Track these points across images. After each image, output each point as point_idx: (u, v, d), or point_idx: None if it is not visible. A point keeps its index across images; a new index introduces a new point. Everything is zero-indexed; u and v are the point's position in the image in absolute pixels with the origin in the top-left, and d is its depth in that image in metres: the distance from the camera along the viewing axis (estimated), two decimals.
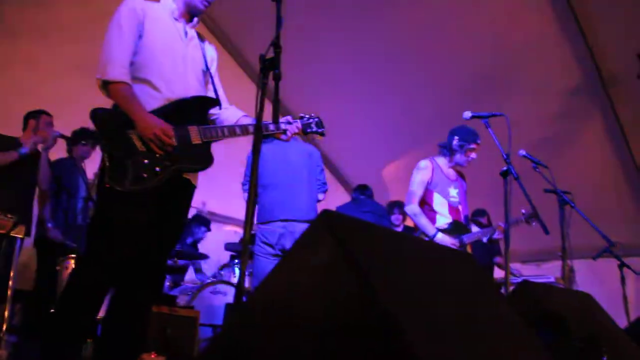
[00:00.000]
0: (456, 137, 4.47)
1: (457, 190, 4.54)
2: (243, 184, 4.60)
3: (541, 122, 6.09)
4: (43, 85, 5.82)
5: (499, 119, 3.73)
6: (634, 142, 5.90)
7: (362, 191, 6.52)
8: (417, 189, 4.45)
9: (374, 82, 6.98)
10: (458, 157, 4.48)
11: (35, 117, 4.92)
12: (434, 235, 4.26)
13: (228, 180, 6.10)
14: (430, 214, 4.44)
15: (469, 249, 4.47)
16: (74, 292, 2.43)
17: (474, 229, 4.66)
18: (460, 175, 4.70)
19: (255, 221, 4.45)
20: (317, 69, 7.02)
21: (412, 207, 4.41)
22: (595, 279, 6.03)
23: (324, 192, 4.71)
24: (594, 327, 2.61)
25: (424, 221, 4.35)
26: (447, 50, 6.09)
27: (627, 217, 6.41)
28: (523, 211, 4.22)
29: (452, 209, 4.49)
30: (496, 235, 4.42)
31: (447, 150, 4.53)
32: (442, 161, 4.56)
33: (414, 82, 6.68)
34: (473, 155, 4.46)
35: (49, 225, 4.95)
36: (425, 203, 4.47)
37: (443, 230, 4.33)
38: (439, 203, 4.46)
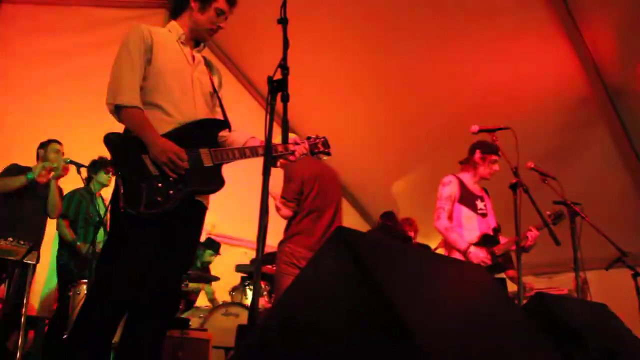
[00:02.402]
0: (478, 150, 4.47)
1: (484, 203, 4.50)
2: (285, 198, 4.31)
3: (547, 133, 6.08)
4: (52, 111, 5.90)
5: (505, 132, 3.75)
6: None
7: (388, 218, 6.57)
8: (445, 204, 4.38)
9: (378, 99, 7.03)
10: (482, 170, 4.46)
11: (44, 147, 5.01)
12: (467, 250, 4.20)
13: (237, 202, 6.11)
14: (458, 229, 4.36)
15: None
16: (87, 319, 2.42)
17: (501, 239, 4.49)
18: (485, 191, 4.65)
19: (287, 238, 4.30)
20: (321, 89, 7.09)
21: (442, 222, 4.34)
22: (608, 290, 5.95)
23: None
24: (610, 337, 2.59)
25: (454, 236, 4.29)
26: (451, 66, 6.13)
27: (638, 226, 6.35)
28: (548, 213, 4.21)
29: (481, 221, 4.42)
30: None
31: (470, 165, 4.53)
32: (465, 177, 4.53)
33: (421, 98, 6.72)
34: (496, 167, 4.45)
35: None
36: (451, 218, 4.40)
37: (474, 244, 4.28)
38: (467, 217, 4.40)
